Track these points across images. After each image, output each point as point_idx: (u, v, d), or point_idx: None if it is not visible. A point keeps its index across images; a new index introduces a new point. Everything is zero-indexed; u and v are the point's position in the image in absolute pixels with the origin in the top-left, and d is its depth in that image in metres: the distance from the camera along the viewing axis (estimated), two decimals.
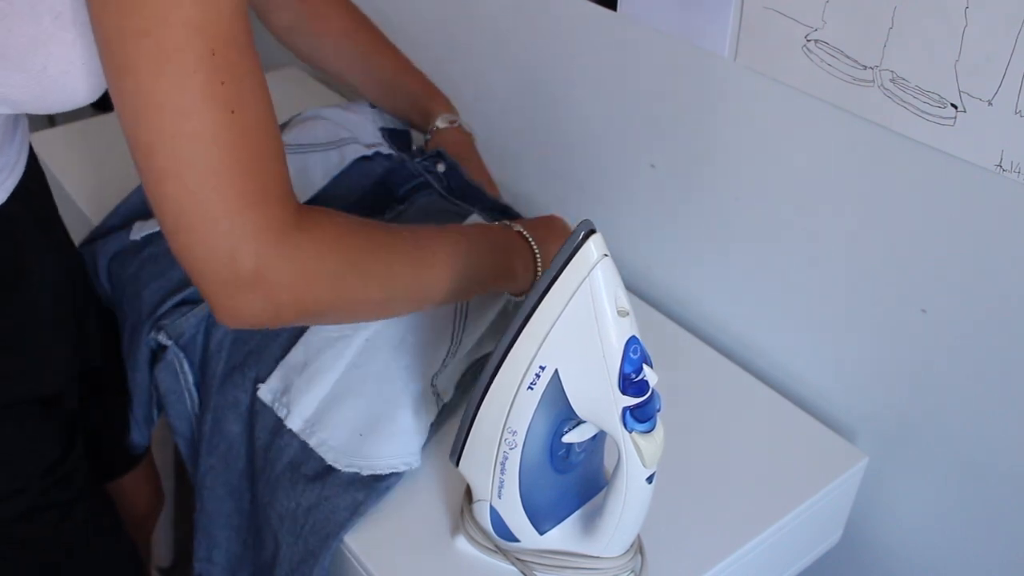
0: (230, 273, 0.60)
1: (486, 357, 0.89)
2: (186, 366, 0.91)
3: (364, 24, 1.09)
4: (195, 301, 0.93)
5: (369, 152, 1.04)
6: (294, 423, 0.82)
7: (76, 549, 0.87)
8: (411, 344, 0.86)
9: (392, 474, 0.79)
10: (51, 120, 1.90)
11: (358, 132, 1.08)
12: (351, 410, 0.82)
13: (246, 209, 0.59)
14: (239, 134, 0.58)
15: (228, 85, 0.56)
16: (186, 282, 0.94)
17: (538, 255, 0.83)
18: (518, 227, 0.84)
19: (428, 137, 1.07)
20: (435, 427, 0.85)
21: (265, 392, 0.84)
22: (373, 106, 1.13)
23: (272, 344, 0.88)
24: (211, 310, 0.63)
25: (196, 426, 0.92)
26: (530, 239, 0.83)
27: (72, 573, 0.88)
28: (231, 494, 0.88)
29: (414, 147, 1.11)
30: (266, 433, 0.83)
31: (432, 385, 0.85)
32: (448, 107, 1.08)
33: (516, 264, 0.82)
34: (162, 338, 0.91)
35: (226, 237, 0.59)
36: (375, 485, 0.79)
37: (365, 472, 0.79)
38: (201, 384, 0.91)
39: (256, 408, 0.85)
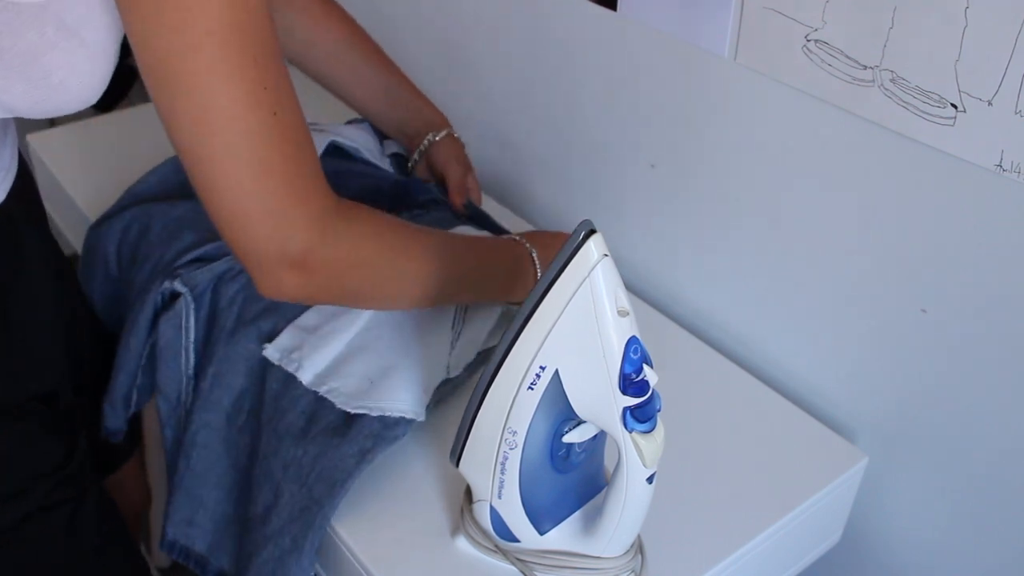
0: (280, 256, 0.66)
1: (493, 349, 0.90)
2: (192, 319, 0.93)
3: (360, 34, 1.11)
4: (211, 259, 0.95)
5: (347, 143, 1.07)
6: (305, 377, 0.84)
7: (87, 548, 0.87)
8: (416, 318, 0.89)
9: (401, 421, 0.80)
10: (51, 120, 1.90)
11: (360, 146, 1.10)
12: (362, 363, 0.85)
13: (297, 201, 0.65)
14: (283, 133, 0.63)
15: (269, 89, 0.61)
16: (200, 242, 0.96)
17: (538, 269, 0.88)
18: (527, 243, 0.89)
19: (425, 146, 1.08)
20: (434, 399, 0.85)
21: (272, 351, 0.87)
22: (377, 132, 1.15)
23: (285, 305, 0.90)
24: (255, 283, 0.69)
25: (188, 387, 0.92)
26: (533, 254, 0.89)
27: (84, 572, 0.88)
28: (228, 451, 0.89)
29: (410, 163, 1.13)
30: (278, 384, 0.85)
31: (449, 354, 0.87)
32: (444, 120, 1.10)
33: (521, 280, 0.88)
34: (177, 285, 0.93)
35: (279, 228, 0.65)
36: (384, 434, 0.79)
37: (374, 413, 0.80)
38: (204, 342, 0.93)
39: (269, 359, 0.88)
